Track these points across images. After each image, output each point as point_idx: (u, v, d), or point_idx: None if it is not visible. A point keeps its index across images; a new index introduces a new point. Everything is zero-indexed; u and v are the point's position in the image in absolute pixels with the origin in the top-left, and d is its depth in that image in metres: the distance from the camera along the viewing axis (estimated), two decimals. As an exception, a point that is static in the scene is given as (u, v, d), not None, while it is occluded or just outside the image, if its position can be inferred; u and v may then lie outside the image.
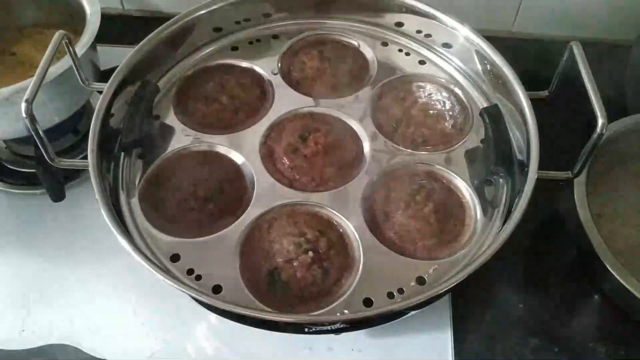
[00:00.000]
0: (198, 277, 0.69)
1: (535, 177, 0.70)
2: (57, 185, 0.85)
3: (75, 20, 0.93)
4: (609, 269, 0.71)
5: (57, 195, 0.85)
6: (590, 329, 0.80)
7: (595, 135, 0.66)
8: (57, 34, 0.75)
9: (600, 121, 0.65)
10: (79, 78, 0.81)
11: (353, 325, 0.66)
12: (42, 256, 0.85)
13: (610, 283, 0.73)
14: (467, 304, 0.81)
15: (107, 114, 0.78)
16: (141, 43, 0.84)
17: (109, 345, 0.76)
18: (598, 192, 0.85)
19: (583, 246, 0.77)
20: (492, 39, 0.84)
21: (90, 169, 0.71)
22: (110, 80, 0.80)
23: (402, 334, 0.77)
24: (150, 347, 0.76)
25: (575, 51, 0.73)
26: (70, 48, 0.78)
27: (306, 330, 0.65)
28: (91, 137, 0.74)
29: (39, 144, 0.70)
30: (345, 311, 0.64)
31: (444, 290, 0.64)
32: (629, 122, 0.86)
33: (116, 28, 1.09)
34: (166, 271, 0.68)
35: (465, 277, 0.64)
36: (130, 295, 0.81)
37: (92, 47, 0.90)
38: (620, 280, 0.70)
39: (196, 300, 0.65)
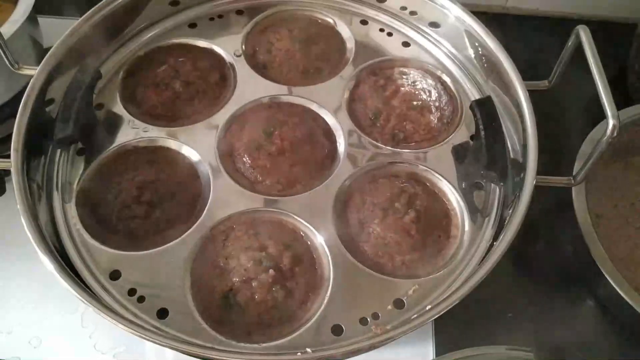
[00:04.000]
0: (141, 299, 0.62)
1: (533, 184, 0.63)
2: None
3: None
4: (607, 277, 0.68)
5: (-4, 189, 0.78)
6: (585, 340, 0.76)
7: (604, 139, 0.59)
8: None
9: (610, 122, 0.58)
10: (5, 60, 0.71)
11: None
12: (-24, 257, 0.77)
13: (607, 292, 0.70)
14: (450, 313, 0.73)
15: (41, 103, 0.70)
16: (80, 19, 0.75)
17: (51, 360, 0.71)
18: (597, 188, 0.80)
19: (580, 252, 0.72)
20: (484, 16, 0.78)
21: (13, 170, 0.63)
22: (41, 65, 0.70)
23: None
24: (99, 363, 0.70)
25: (583, 37, 0.65)
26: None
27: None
28: (16, 133, 0.65)
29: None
30: (308, 350, 0.57)
31: (426, 322, 0.56)
32: (633, 112, 0.81)
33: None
34: (105, 291, 0.62)
35: (452, 305, 0.57)
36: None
37: (30, 20, 0.81)
38: (618, 290, 0.68)
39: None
